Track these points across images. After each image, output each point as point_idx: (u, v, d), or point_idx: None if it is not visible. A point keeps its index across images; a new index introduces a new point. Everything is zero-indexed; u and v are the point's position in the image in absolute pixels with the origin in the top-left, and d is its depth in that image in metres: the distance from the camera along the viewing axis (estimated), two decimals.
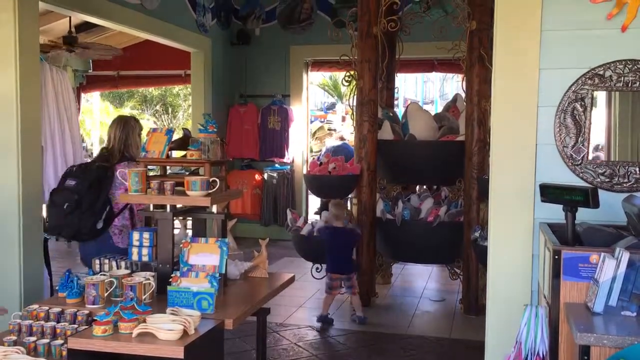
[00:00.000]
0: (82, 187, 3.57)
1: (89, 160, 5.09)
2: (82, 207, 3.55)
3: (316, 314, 5.17)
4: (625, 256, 2.20)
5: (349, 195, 5.87)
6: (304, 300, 5.78)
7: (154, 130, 3.33)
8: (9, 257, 4.02)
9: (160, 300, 2.88)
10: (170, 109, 17.83)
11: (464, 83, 5.45)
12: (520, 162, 3.09)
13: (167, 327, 2.41)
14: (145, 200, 3.12)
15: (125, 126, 3.83)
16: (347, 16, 6.12)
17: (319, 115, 19.18)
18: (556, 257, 2.38)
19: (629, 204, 2.58)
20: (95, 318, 2.50)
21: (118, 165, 3.70)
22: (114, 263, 3.18)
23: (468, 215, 5.28)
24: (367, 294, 5.50)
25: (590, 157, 3.02)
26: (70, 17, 6.48)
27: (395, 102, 8.31)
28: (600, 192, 2.68)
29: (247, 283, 3.37)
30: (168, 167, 3.52)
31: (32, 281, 4.12)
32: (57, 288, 3.07)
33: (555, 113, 3.03)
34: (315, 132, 15.26)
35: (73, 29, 6.87)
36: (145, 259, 3.10)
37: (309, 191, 7.35)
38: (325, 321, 5.04)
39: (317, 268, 5.59)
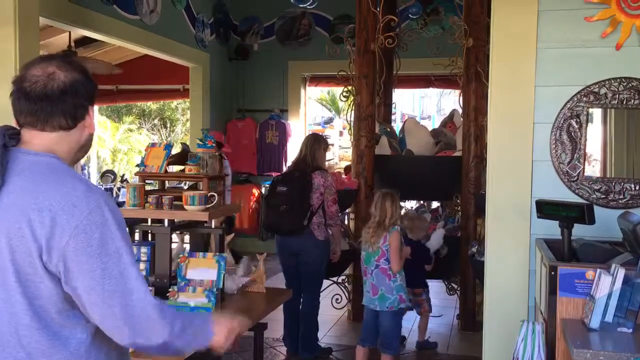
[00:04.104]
0: (292, 192, 4.31)
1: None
2: (295, 209, 4.25)
3: None
4: (621, 272, 2.22)
5: (347, 211, 5.88)
6: None
7: (153, 145, 3.35)
8: None
9: None
10: (168, 124, 17.86)
11: (461, 99, 5.48)
12: (517, 178, 3.11)
13: None
14: (142, 214, 3.12)
15: (314, 142, 4.54)
16: (345, 32, 6.17)
17: (316, 130, 19.21)
18: (552, 273, 2.39)
19: (625, 221, 2.59)
20: None
21: (314, 174, 4.38)
22: None
23: (465, 231, 5.29)
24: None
25: (585, 174, 3.04)
26: (69, 32, 6.51)
27: (393, 118, 8.35)
28: (596, 209, 2.69)
29: (245, 298, 3.37)
30: (166, 182, 3.53)
31: None
32: None
33: (551, 130, 3.06)
34: None
35: (72, 44, 6.91)
36: (142, 273, 3.09)
37: None
38: (426, 347, 4.91)
39: None
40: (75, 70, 1.45)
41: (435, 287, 6.85)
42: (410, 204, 7.75)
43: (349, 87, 5.74)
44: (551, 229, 2.80)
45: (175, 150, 3.65)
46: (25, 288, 1.33)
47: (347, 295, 5.59)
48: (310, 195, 4.35)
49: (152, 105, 17.18)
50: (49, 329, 1.35)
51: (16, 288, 1.33)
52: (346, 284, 5.63)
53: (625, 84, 2.97)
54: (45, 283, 1.33)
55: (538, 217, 2.82)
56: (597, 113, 3.06)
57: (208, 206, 3.05)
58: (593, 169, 3.07)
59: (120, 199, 9.24)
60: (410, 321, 5.63)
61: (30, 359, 1.34)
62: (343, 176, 5.79)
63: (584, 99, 3.02)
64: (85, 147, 1.52)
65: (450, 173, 5.46)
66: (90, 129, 1.50)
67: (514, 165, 3.12)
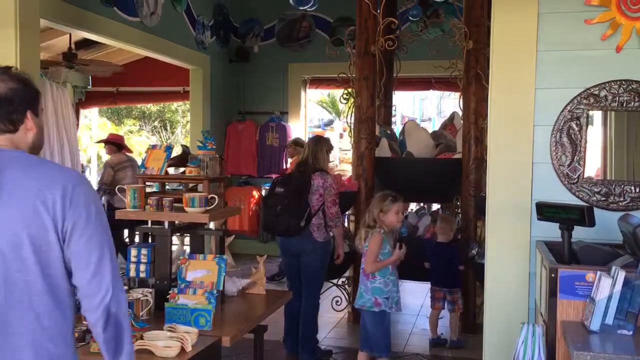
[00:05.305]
0: (289, 193, 4.30)
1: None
2: (290, 209, 4.23)
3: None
4: (621, 275, 2.22)
5: (347, 212, 5.88)
6: None
7: (153, 147, 3.35)
8: None
9: (158, 316, 2.88)
10: (168, 126, 17.87)
11: (461, 101, 5.49)
12: (517, 180, 3.11)
13: (164, 343, 2.41)
14: (143, 216, 3.13)
15: (316, 144, 4.55)
16: (345, 34, 6.17)
17: (316, 132, 19.21)
18: (552, 275, 2.39)
19: (625, 223, 2.60)
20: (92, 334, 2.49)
21: (314, 175, 4.37)
22: None
23: (465, 233, 5.29)
24: None
25: (586, 176, 3.04)
26: (70, 34, 6.52)
27: (393, 120, 8.36)
28: (596, 211, 2.70)
29: (245, 300, 3.37)
30: (166, 183, 3.53)
31: None
32: None
33: (551, 132, 3.06)
34: None
35: (73, 46, 6.92)
36: (142, 275, 3.10)
37: None
38: (438, 343, 4.98)
39: None
40: (11, 80, 1.63)
41: None
42: (410, 207, 7.74)
43: (349, 90, 5.74)
44: (551, 231, 2.80)
45: (176, 152, 3.65)
46: (39, 258, 1.54)
47: (347, 297, 5.59)
48: (308, 197, 4.34)
49: (152, 107, 17.19)
50: (56, 295, 1.57)
51: (31, 258, 1.53)
52: (346, 286, 5.63)
53: (625, 86, 2.98)
54: (55, 252, 1.55)
55: (538, 219, 2.82)
56: (597, 115, 3.06)
57: (208, 208, 3.05)
58: (593, 171, 3.08)
59: None
60: (410, 324, 5.63)
61: (38, 319, 1.55)
62: (343, 178, 5.79)
63: (584, 101, 3.02)
64: (35, 146, 1.71)
65: (450, 175, 5.46)
66: (32, 131, 1.68)
67: (514, 168, 3.12)
